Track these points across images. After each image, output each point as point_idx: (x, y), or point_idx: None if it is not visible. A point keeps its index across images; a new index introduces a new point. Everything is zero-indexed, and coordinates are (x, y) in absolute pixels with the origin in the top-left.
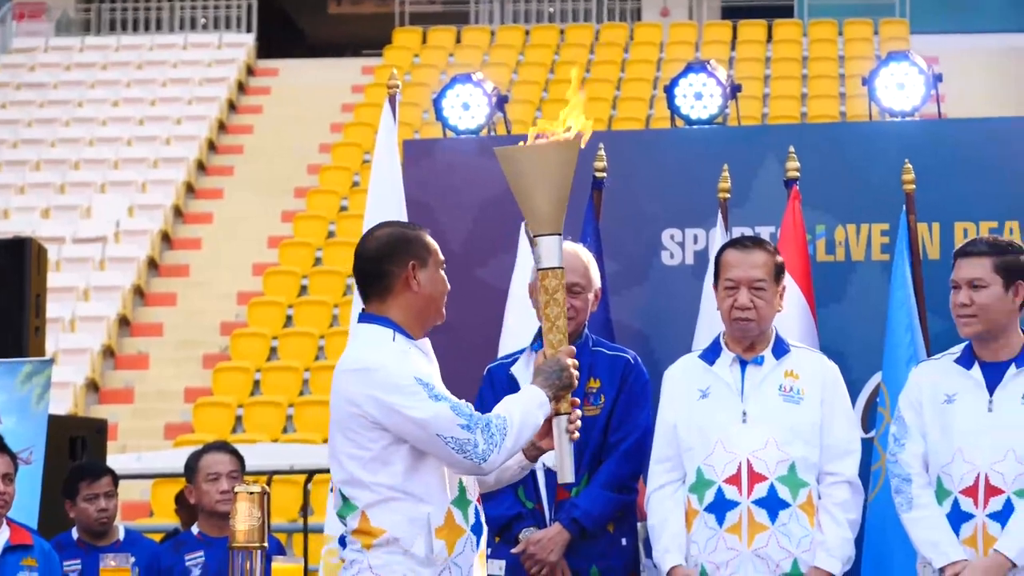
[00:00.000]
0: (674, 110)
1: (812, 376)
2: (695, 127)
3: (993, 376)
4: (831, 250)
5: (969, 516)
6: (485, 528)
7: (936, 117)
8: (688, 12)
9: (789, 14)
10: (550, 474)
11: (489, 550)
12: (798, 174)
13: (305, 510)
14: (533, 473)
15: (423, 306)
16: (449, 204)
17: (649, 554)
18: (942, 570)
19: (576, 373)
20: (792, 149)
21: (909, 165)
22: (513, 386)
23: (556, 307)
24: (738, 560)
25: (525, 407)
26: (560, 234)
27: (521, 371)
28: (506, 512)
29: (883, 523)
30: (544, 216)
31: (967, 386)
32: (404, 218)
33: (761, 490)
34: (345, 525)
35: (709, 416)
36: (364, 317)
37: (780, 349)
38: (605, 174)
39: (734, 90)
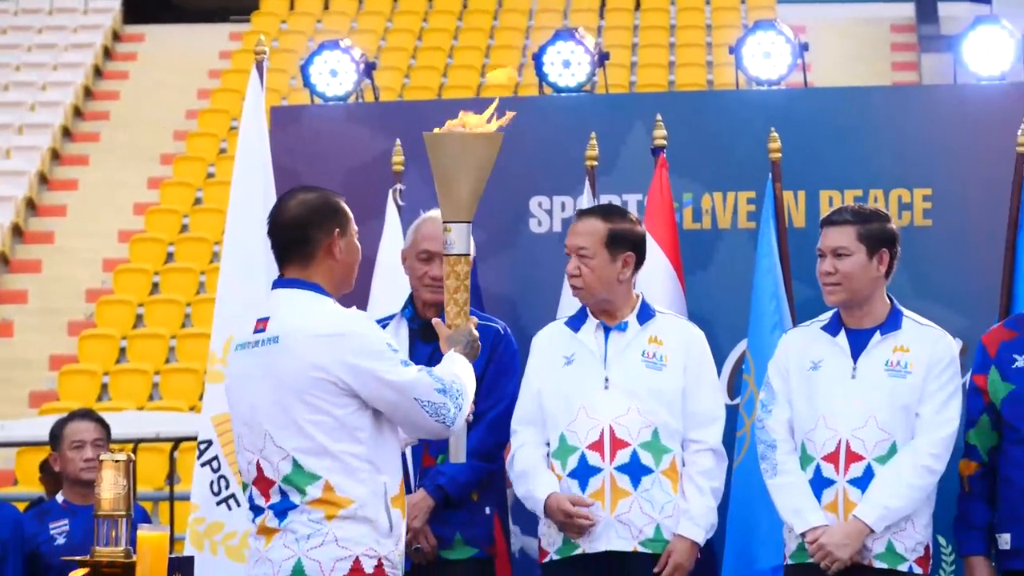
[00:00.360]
0: (542, 78)
1: (676, 342)
2: (563, 95)
3: (858, 343)
4: (698, 218)
5: (831, 482)
6: None
7: (802, 86)
8: None
9: None
10: None
11: None
12: (665, 142)
13: (171, 478)
14: None
15: (343, 274)
16: (316, 171)
17: (515, 520)
18: (803, 535)
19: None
20: (659, 117)
21: (775, 134)
22: None
23: (466, 292)
24: (601, 526)
25: (467, 373)
26: (471, 222)
27: (391, 337)
28: None
29: (748, 489)
30: (461, 204)
31: (832, 353)
32: (271, 185)
33: (624, 456)
34: (303, 494)
35: (573, 383)
36: (291, 282)
37: (645, 315)
38: None
39: (602, 58)
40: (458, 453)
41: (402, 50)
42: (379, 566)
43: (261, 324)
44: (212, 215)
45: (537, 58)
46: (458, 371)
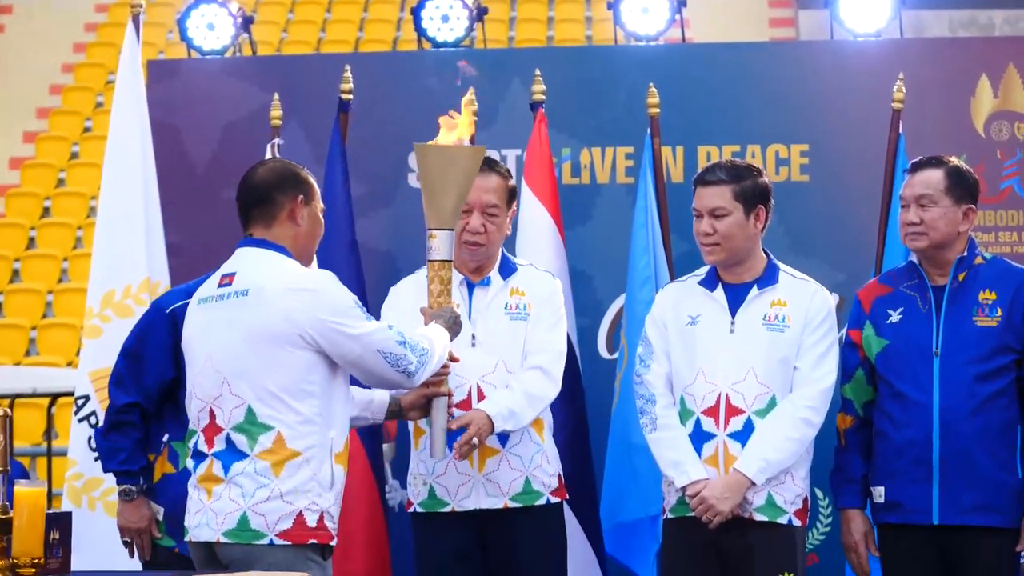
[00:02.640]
0: (421, 32)
1: (537, 293)
2: (441, 49)
3: (736, 298)
4: (576, 173)
5: (711, 436)
6: None
7: (680, 42)
8: None
9: None
10: None
11: None
12: (544, 97)
13: (49, 434)
14: None
15: (304, 242)
16: (194, 125)
17: (395, 475)
18: (683, 489)
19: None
20: (538, 72)
21: (654, 89)
22: None
23: (449, 297)
24: (470, 484)
25: (441, 339)
26: (453, 230)
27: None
28: None
29: (622, 442)
30: (446, 213)
31: (710, 308)
32: (148, 140)
33: None
34: (253, 443)
35: None
36: (257, 242)
37: (507, 269)
38: (351, 96)
39: (480, 13)
40: (437, 450)
41: (280, 4)
42: (321, 519)
43: (226, 279)
44: (89, 170)
45: (416, 13)
46: (430, 333)
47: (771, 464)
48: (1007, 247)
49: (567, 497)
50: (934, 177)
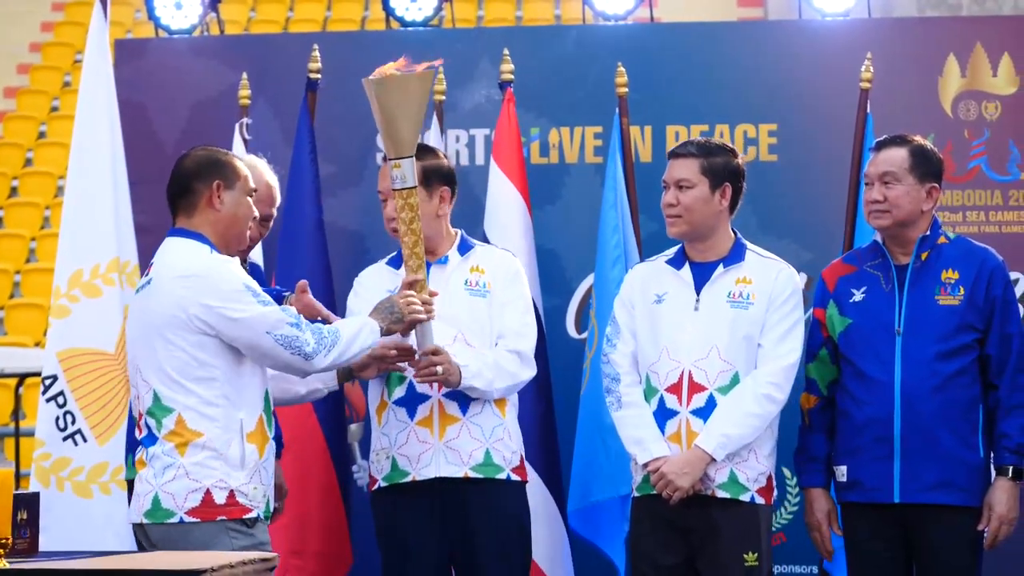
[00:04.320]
0: (389, 11)
1: (498, 271)
2: (410, 29)
3: (702, 276)
4: (545, 152)
5: (674, 413)
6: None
7: (649, 21)
8: None
9: None
10: None
11: None
12: (512, 77)
13: (16, 414)
14: None
15: (226, 225)
16: (162, 105)
17: (364, 455)
18: (646, 466)
19: (414, 304)
20: (507, 52)
21: (622, 68)
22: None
23: (419, 223)
24: (431, 452)
25: (358, 326)
26: (414, 156)
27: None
28: None
29: (591, 422)
30: (405, 140)
31: (676, 286)
32: (116, 120)
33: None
34: (160, 426)
35: None
36: (175, 231)
37: (464, 247)
38: (319, 75)
39: None
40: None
41: None
42: (231, 496)
43: (147, 270)
44: (56, 149)
45: None
46: (345, 323)
47: (731, 439)
48: (974, 227)
49: (527, 479)
50: (898, 155)
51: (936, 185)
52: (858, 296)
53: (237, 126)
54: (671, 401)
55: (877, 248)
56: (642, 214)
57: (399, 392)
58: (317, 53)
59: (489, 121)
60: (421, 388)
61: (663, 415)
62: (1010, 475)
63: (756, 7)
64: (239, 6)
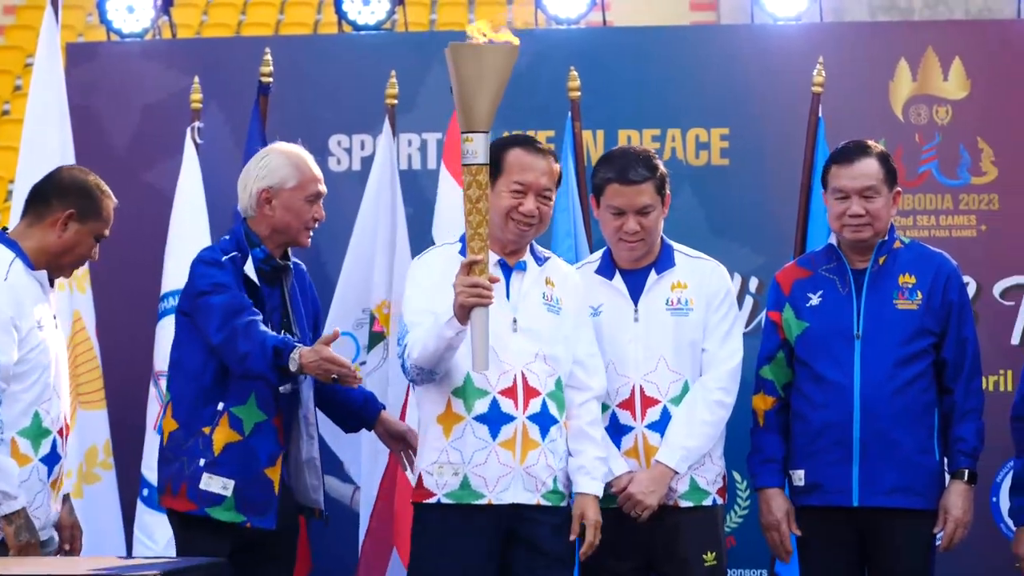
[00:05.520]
0: (342, 15)
1: (568, 288)
2: (363, 33)
3: (635, 284)
4: None
5: (628, 428)
6: (63, 460)
7: (601, 25)
8: None
9: None
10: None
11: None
12: None
13: None
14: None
15: (54, 252)
16: (113, 108)
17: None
18: (609, 485)
19: (475, 288)
20: None
21: (574, 72)
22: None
23: (487, 202)
24: (510, 476)
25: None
26: (488, 132)
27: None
28: None
29: None
30: (481, 114)
31: (611, 296)
32: (67, 123)
33: (535, 405)
34: None
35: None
36: (1, 234)
37: (537, 256)
38: (271, 79)
39: None
40: (479, 360)
41: None
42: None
43: None
44: (6, 153)
45: None
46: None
47: (691, 451)
48: (925, 231)
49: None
50: (873, 167)
51: (899, 190)
52: (815, 300)
53: (188, 130)
54: (624, 417)
55: (832, 252)
56: (594, 218)
57: (481, 407)
58: (269, 57)
59: (441, 125)
60: (506, 407)
61: (617, 431)
62: (965, 479)
63: (708, 11)
64: (191, 10)
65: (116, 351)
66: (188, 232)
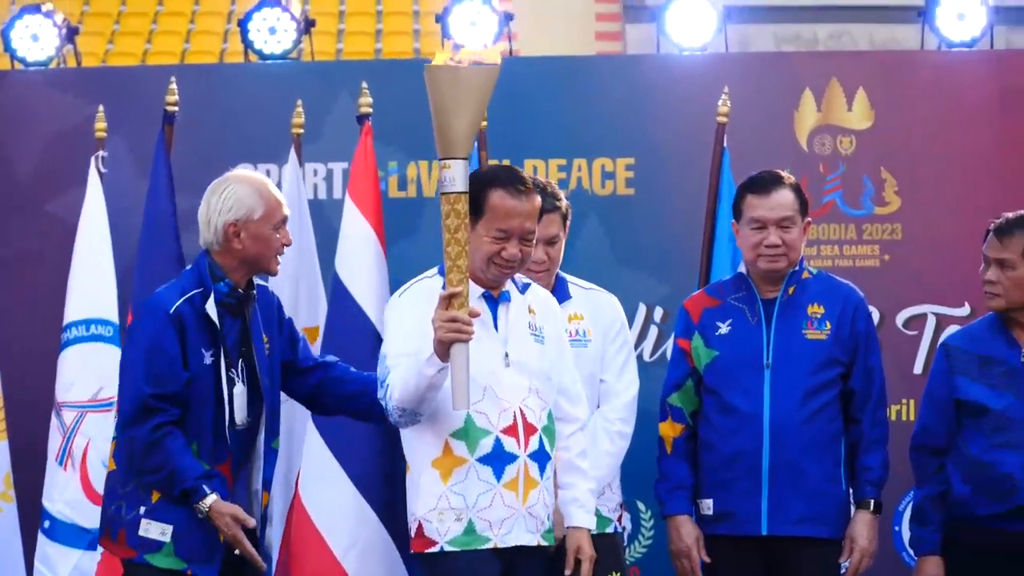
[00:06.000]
0: (248, 44)
1: (548, 313)
2: (269, 62)
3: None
4: (403, 186)
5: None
6: None
7: (508, 55)
8: None
9: None
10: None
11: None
12: (371, 110)
13: None
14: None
15: None
16: (17, 138)
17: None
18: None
19: (454, 323)
20: (365, 85)
21: None
22: None
23: (467, 232)
24: (514, 518)
25: None
26: (468, 158)
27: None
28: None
29: None
30: (459, 139)
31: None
32: None
33: (534, 443)
34: None
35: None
36: None
37: (520, 283)
38: (176, 108)
39: (308, 25)
40: (459, 398)
41: (106, 15)
42: None
43: None
44: None
45: (243, 24)
46: None
47: (599, 483)
48: (828, 260)
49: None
50: (789, 197)
51: (809, 220)
52: (724, 329)
53: (93, 159)
54: (510, 444)
55: (742, 281)
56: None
57: (484, 448)
58: (174, 86)
59: (347, 155)
60: (509, 447)
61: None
62: (872, 508)
63: (614, 41)
64: (97, 38)
65: (18, 382)
66: (91, 262)
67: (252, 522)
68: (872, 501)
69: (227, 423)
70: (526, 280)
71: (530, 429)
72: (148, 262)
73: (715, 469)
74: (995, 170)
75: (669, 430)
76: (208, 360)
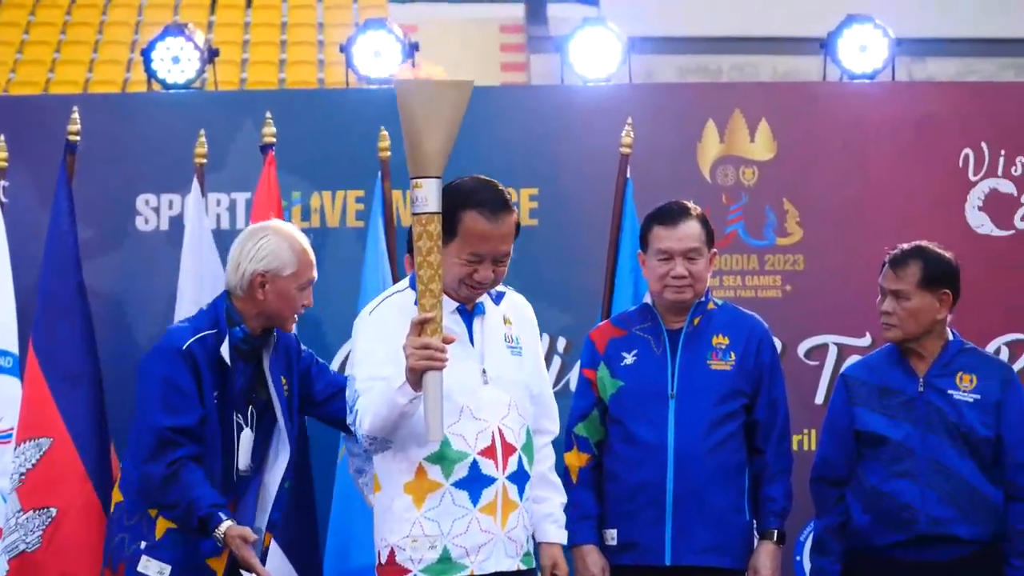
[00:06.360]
0: (151, 74)
1: (523, 320)
2: (172, 91)
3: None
4: (307, 216)
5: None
6: None
7: None
8: None
9: None
10: None
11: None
12: (274, 140)
13: None
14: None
15: None
16: None
17: None
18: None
19: (426, 350)
20: (269, 115)
21: (385, 132)
22: None
23: (439, 254)
24: (492, 544)
25: None
26: (441, 178)
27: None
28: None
29: (348, 488)
30: (431, 158)
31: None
32: None
33: (513, 464)
34: None
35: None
36: None
37: (495, 293)
38: (79, 137)
39: (212, 54)
40: (433, 429)
41: (8, 44)
42: None
43: None
44: None
45: (146, 54)
46: None
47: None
48: (731, 291)
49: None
50: (696, 228)
51: (715, 251)
52: (629, 359)
53: None
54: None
55: (647, 312)
56: (402, 276)
57: (460, 472)
58: (76, 115)
59: (251, 184)
60: (486, 469)
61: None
62: (775, 539)
63: (519, 72)
64: None
65: None
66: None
67: (254, 536)
68: (776, 531)
69: (234, 468)
70: (501, 289)
71: (509, 449)
72: (49, 293)
73: (619, 499)
74: (896, 201)
75: (575, 460)
76: (215, 402)
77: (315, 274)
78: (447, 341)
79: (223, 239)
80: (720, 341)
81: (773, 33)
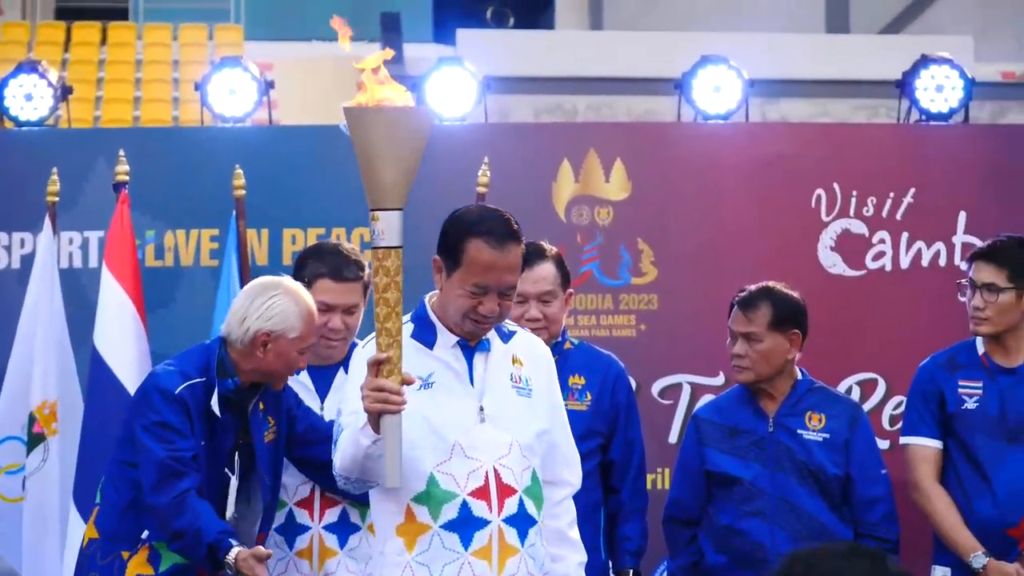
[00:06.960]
0: (3, 111)
1: (537, 362)
2: (24, 128)
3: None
4: (160, 255)
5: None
6: None
7: (267, 123)
8: (21, 12)
9: (124, 16)
10: None
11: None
12: (128, 178)
13: None
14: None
15: None
16: None
17: None
18: None
19: (381, 393)
20: (122, 153)
21: (240, 171)
22: None
23: (397, 291)
24: None
25: None
26: (402, 209)
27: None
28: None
29: None
30: (388, 189)
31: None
32: None
33: (512, 506)
34: None
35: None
36: None
37: (501, 330)
38: None
39: (65, 92)
40: (391, 475)
41: None
42: None
43: None
44: None
45: None
46: None
47: None
48: (585, 331)
49: None
50: (550, 271)
51: (571, 291)
52: None
53: None
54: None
55: None
56: None
57: (449, 513)
58: None
59: (104, 223)
60: (478, 511)
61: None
62: None
63: None
64: None
65: None
66: None
67: (267, 552)
68: (631, 571)
69: (224, 514)
70: (512, 327)
71: (506, 491)
72: None
73: None
74: (750, 241)
75: None
76: (203, 451)
77: (315, 339)
78: (406, 382)
79: (77, 278)
80: (576, 381)
81: (628, 73)
